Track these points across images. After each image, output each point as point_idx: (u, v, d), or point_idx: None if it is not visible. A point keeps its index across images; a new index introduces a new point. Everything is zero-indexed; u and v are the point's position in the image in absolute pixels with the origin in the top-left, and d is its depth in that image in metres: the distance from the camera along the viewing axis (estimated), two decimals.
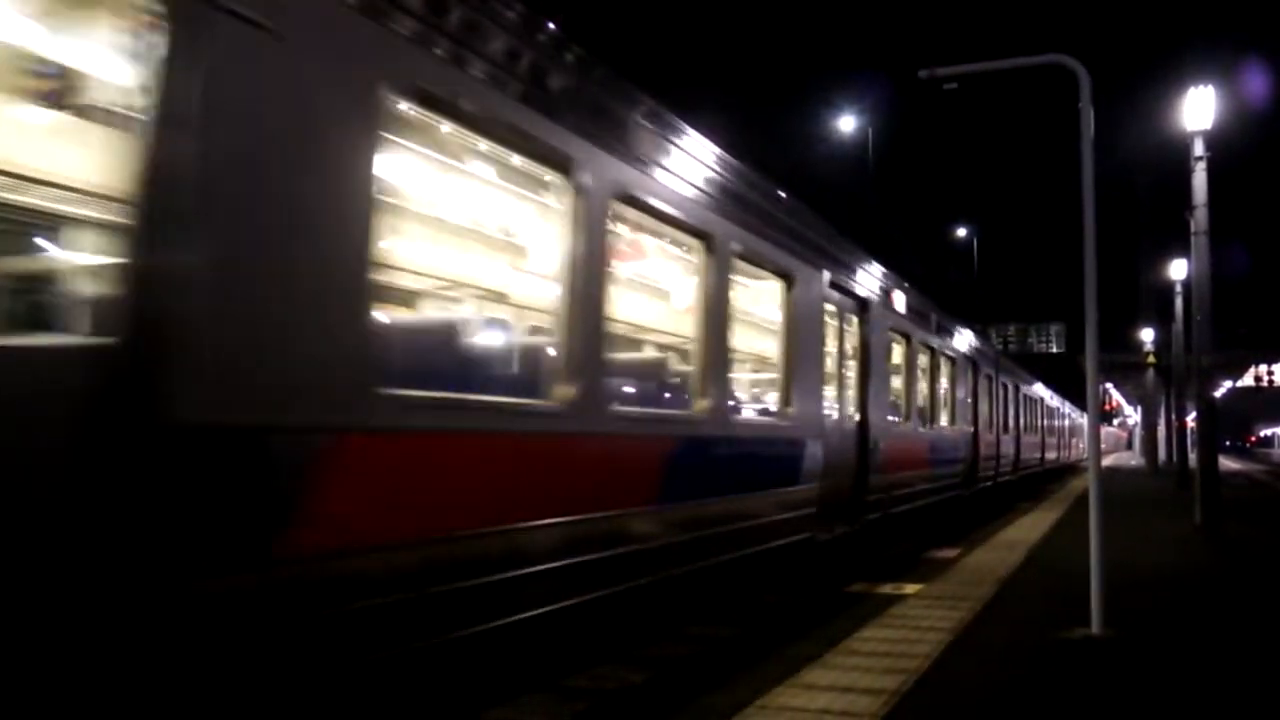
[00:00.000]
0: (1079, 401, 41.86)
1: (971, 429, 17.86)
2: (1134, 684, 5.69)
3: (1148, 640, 6.78)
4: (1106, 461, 47.26)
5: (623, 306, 6.66)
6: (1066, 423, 42.93)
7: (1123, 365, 50.44)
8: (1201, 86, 15.15)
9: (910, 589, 8.72)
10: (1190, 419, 25.25)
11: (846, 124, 44.00)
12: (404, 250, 5.62)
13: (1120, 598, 7.22)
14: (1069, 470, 39.79)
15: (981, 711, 5.06)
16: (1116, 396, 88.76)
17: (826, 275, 9.26)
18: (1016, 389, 25.44)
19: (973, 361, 18.55)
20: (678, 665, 6.95)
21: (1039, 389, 32.06)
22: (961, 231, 63.26)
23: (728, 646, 7.50)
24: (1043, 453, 32.17)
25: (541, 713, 5.80)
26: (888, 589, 8.83)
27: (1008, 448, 22.99)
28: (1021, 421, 26.00)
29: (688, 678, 6.52)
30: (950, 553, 11.37)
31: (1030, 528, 14.55)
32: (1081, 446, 47.46)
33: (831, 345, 9.90)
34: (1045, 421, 33.50)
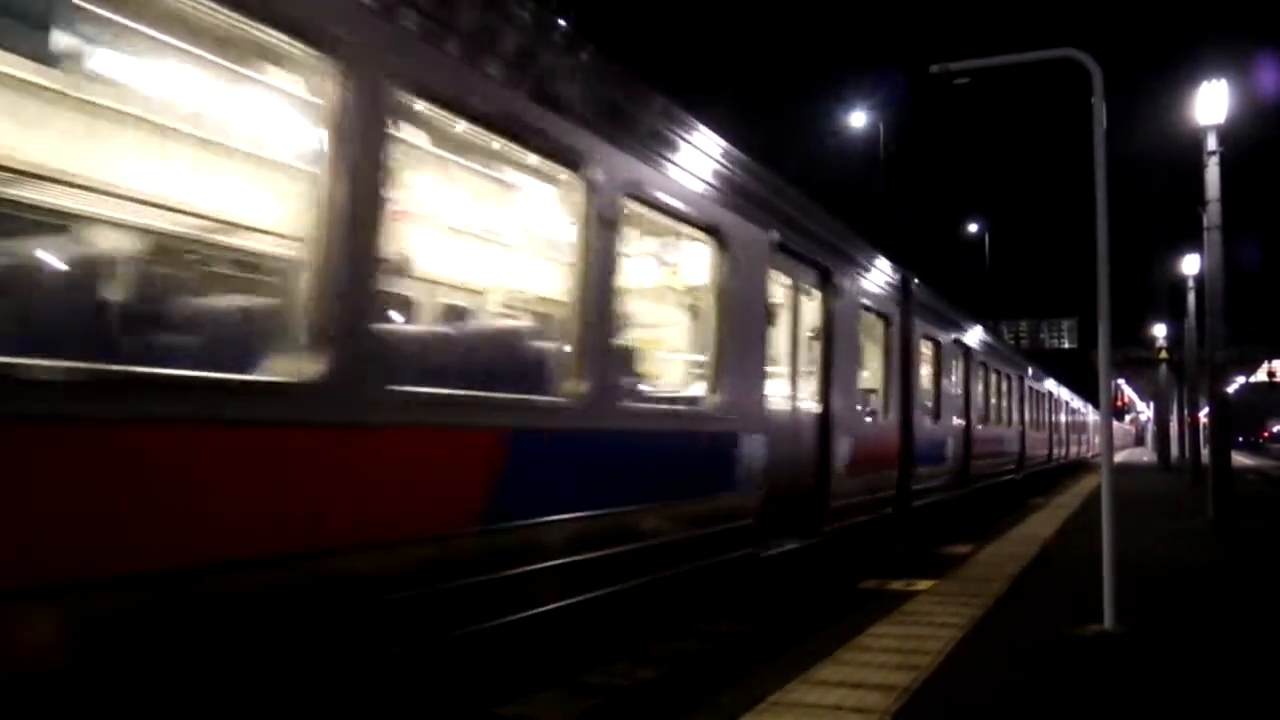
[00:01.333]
0: (1090, 396, 40.95)
1: (820, 408, 9.07)
2: (1147, 680, 5.67)
3: (1161, 636, 6.76)
4: (1118, 458, 46.55)
5: None
6: (1064, 417, 33.93)
7: (1135, 361, 50.18)
8: (1215, 80, 15.08)
9: (922, 585, 8.70)
10: (1203, 415, 25.12)
11: (859, 119, 43.83)
12: None
13: (1133, 593, 7.20)
14: (1057, 477, 29.53)
15: (994, 708, 5.05)
16: (1129, 392, 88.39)
17: None
18: (966, 355, 16.29)
19: (828, 281, 9.27)
20: (690, 662, 6.96)
21: (1013, 361, 22.65)
22: (974, 227, 63.08)
23: (740, 643, 7.51)
24: (1020, 451, 22.36)
25: (554, 709, 5.82)
26: (899, 585, 8.82)
27: (937, 448, 13.74)
28: (976, 407, 16.71)
29: (700, 674, 6.53)
30: (963, 549, 11.35)
31: (1043, 524, 14.51)
32: (1084, 442, 43.75)
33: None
34: (1024, 412, 23.21)
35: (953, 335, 15.40)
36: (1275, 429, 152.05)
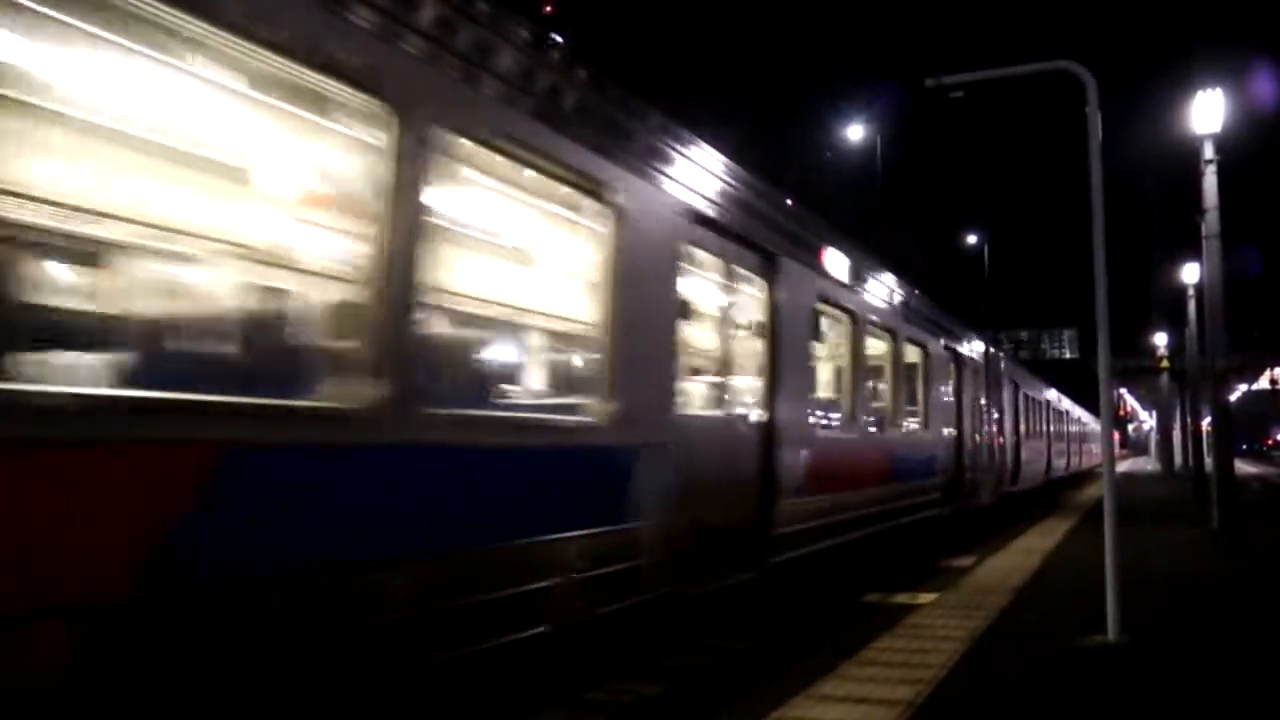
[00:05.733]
0: (1092, 405, 40.55)
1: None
2: (1151, 691, 5.66)
3: (1165, 647, 6.74)
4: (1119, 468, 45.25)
5: None
6: (1027, 422, 23.79)
7: (1136, 370, 50.19)
8: (1210, 89, 15.12)
9: (925, 598, 8.69)
10: (1206, 423, 25.08)
11: (856, 132, 43.94)
12: None
13: (1137, 604, 7.18)
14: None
15: None
16: (1131, 401, 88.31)
17: None
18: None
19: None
20: (694, 677, 6.95)
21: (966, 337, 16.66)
22: (972, 238, 63.06)
23: (744, 658, 7.50)
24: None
25: None
26: (902, 598, 8.81)
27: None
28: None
29: (704, 690, 6.52)
30: (965, 561, 11.33)
31: (1046, 535, 14.49)
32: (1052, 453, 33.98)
33: None
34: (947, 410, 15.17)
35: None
36: (1278, 436, 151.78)
